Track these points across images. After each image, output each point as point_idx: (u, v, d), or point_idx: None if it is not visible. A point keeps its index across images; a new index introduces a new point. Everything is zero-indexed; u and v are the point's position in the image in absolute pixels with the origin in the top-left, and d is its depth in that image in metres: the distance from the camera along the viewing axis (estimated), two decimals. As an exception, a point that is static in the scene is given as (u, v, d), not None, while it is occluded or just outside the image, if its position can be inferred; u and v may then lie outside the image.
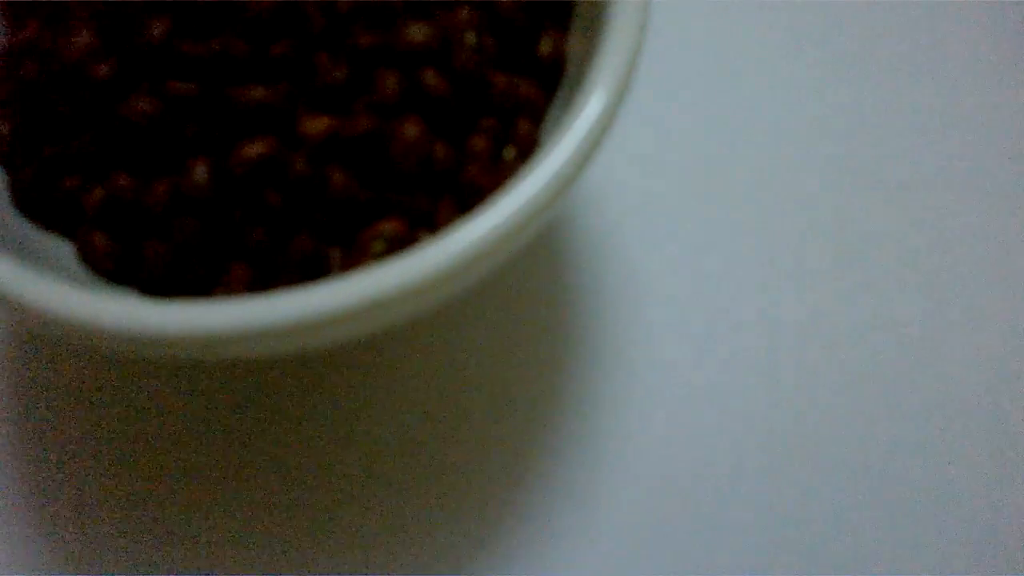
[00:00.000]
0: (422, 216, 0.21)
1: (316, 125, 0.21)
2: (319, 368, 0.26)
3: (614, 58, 0.20)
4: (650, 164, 0.29)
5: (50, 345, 0.26)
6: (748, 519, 0.24)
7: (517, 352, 0.26)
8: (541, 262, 0.27)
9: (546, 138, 0.23)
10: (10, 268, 0.17)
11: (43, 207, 0.22)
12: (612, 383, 0.26)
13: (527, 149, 0.23)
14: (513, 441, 0.25)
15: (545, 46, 0.23)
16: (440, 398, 0.26)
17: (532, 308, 0.27)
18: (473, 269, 0.18)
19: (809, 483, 0.25)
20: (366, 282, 0.17)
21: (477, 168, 0.21)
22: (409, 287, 0.17)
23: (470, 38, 0.22)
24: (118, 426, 0.25)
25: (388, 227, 0.21)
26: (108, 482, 0.25)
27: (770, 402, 0.26)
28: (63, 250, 0.22)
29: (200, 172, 0.20)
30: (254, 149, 0.21)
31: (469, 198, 0.21)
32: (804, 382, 0.26)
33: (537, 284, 0.27)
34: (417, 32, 0.22)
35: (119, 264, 0.21)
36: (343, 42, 0.23)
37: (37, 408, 0.26)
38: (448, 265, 0.18)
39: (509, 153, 0.22)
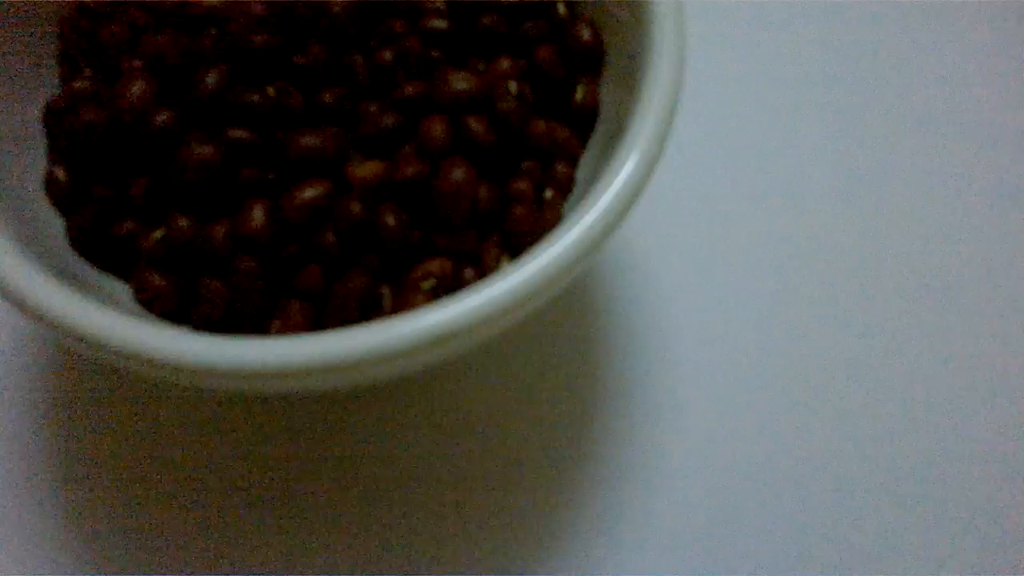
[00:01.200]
0: (468, 255, 0.22)
1: (367, 170, 0.22)
2: (357, 404, 0.27)
3: (652, 111, 0.21)
4: (675, 205, 0.30)
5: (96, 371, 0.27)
6: None
7: (545, 393, 0.27)
8: (570, 304, 0.28)
9: (583, 180, 0.24)
10: (93, 309, 0.18)
11: (99, 249, 0.23)
12: (640, 429, 0.27)
13: (565, 190, 0.24)
14: (542, 481, 0.26)
15: (580, 94, 0.24)
16: (469, 437, 0.26)
17: (561, 346, 0.28)
18: (519, 310, 0.19)
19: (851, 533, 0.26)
20: (432, 316, 0.18)
21: (521, 210, 0.22)
22: (461, 326, 0.18)
23: (511, 87, 0.23)
24: (155, 450, 0.26)
25: (436, 266, 0.22)
26: (137, 503, 0.25)
27: (801, 452, 0.27)
28: (119, 289, 0.23)
29: (258, 214, 0.21)
30: (309, 193, 0.22)
31: (514, 238, 0.22)
32: (834, 422, 0.27)
33: (566, 324, 0.28)
34: (462, 81, 0.23)
35: (175, 303, 0.22)
36: (390, 91, 0.24)
37: (76, 429, 0.26)
38: (495, 307, 0.18)
39: (548, 194, 0.23)
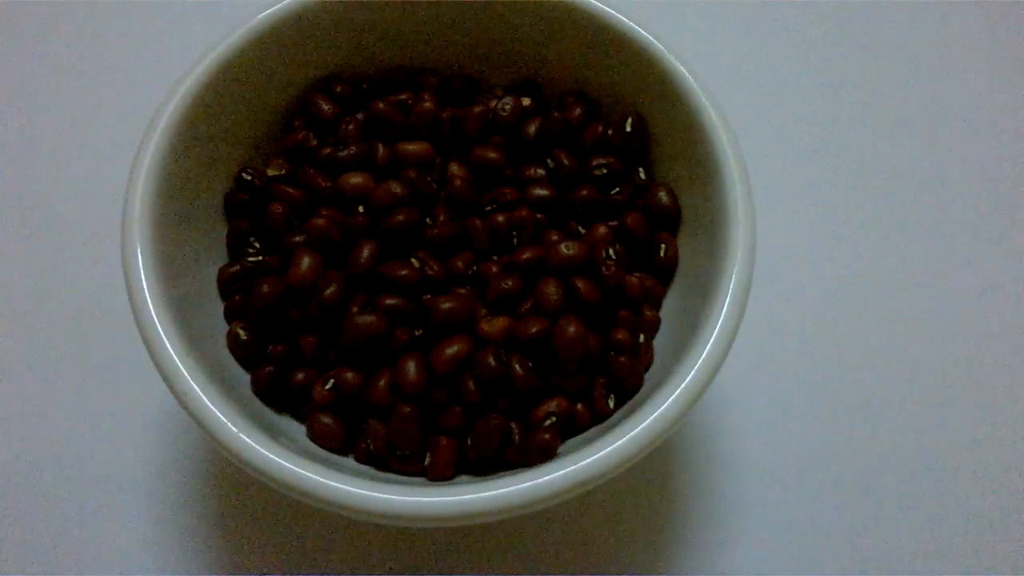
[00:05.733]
0: (580, 394, 0.27)
1: (496, 326, 0.27)
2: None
3: (735, 275, 0.26)
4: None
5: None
6: None
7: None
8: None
9: (665, 318, 0.29)
10: (290, 460, 0.23)
11: (278, 396, 0.28)
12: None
13: (653, 331, 0.29)
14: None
15: (663, 251, 0.29)
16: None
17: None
18: (640, 454, 0.24)
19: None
20: (574, 467, 0.23)
21: (624, 359, 0.27)
22: (596, 474, 0.23)
23: (611, 252, 0.28)
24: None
25: (555, 405, 0.27)
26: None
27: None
28: (294, 427, 0.28)
29: (412, 369, 0.26)
30: (452, 349, 0.26)
31: (618, 381, 0.27)
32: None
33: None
34: (568, 248, 0.28)
35: (342, 441, 0.27)
36: (507, 251, 0.29)
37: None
38: (624, 456, 0.23)
39: (642, 338, 0.28)
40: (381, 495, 0.22)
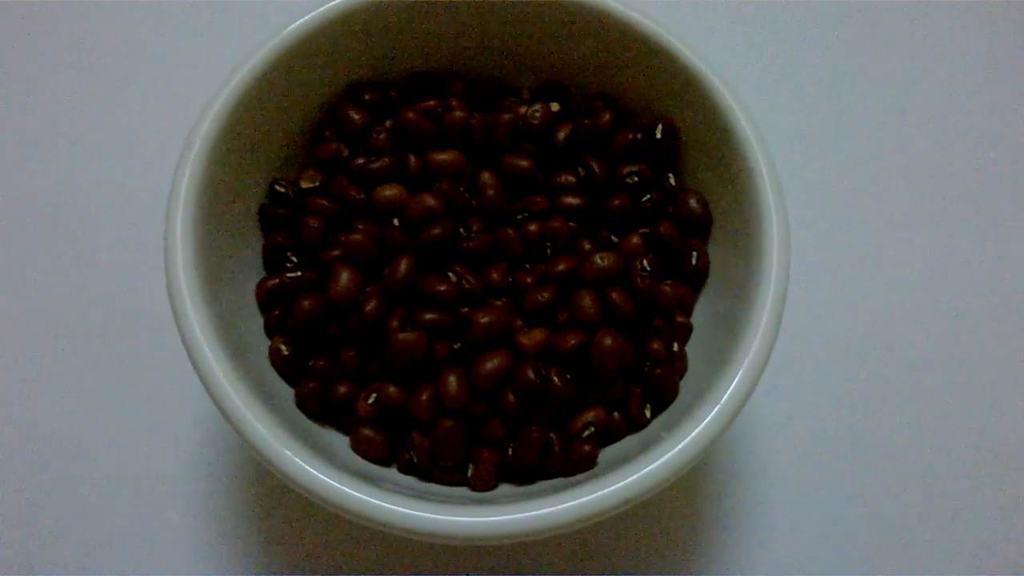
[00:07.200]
0: (617, 403, 0.28)
1: (533, 339, 0.27)
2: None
3: (772, 284, 0.26)
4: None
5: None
6: None
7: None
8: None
9: (696, 324, 0.29)
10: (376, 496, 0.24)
11: (320, 409, 0.28)
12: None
13: (686, 337, 0.29)
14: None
15: (694, 259, 0.30)
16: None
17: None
18: (684, 470, 0.24)
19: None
20: (622, 485, 0.24)
21: (660, 370, 0.27)
22: (644, 490, 0.24)
23: (643, 262, 0.28)
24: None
25: (592, 416, 0.27)
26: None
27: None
28: (337, 439, 0.28)
29: (453, 384, 0.27)
30: (493, 364, 0.27)
31: (655, 391, 0.28)
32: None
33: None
34: (602, 260, 0.28)
35: (386, 453, 0.28)
36: (540, 260, 0.29)
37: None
38: (670, 472, 0.24)
39: (675, 347, 0.29)
40: (436, 516, 0.23)
